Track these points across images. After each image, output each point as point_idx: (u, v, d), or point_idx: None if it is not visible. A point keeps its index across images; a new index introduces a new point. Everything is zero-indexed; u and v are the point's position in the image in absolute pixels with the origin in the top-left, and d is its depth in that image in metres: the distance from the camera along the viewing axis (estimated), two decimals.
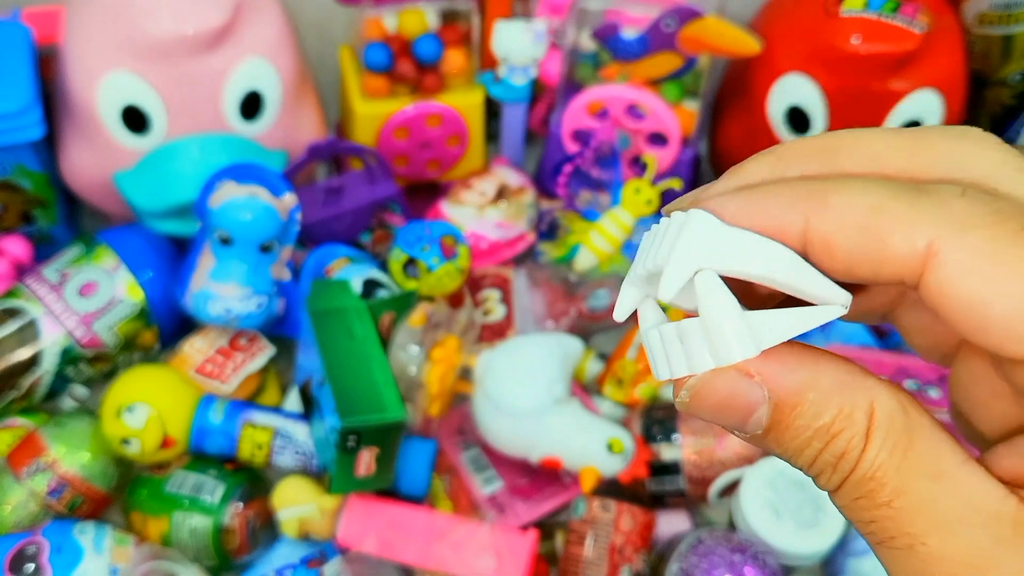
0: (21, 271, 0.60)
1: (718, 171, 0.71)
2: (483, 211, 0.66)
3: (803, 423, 0.16)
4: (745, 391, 0.16)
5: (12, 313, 0.57)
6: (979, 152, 0.15)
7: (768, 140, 0.63)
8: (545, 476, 0.55)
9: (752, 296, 0.17)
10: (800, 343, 0.16)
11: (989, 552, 0.14)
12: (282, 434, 0.53)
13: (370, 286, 0.58)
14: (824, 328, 0.65)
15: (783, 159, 0.17)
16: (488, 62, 0.66)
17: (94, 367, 0.59)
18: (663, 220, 0.18)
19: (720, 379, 0.16)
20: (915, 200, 0.15)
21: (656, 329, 0.17)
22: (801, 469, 0.16)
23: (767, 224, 0.16)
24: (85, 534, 0.51)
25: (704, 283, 0.16)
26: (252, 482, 0.54)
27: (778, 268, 0.16)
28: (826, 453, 0.16)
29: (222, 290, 0.54)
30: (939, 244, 0.14)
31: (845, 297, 0.16)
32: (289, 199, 0.55)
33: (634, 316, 0.19)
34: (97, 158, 0.58)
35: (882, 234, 0.15)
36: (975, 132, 0.16)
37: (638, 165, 0.67)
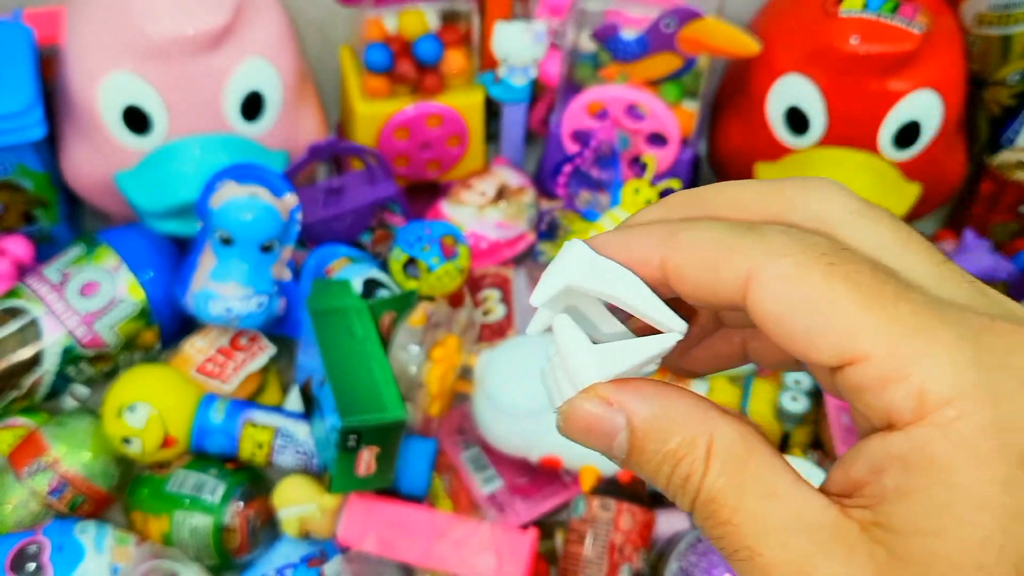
0: (22, 271, 0.61)
1: (717, 171, 0.71)
2: (483, 211, 0.66)
3: (654, 448, 0.18)
4: (606, 417, 0.18)
5: (13, 313, 0.57)
6: (826, 199, 0.18)
7: (767, 140, 0.63)
8: (545, 475, 0.55)
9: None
10: (657, 381, 0.19)
11: (812, 557, 0.16)
12: (283, 433, 0.54)
13: (370, 286, 0.58)
14: None
15: (670, 208, 0.20)
16: (488, 63, 0.66)
17: (95, 367, 0.59)
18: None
19: (585, 405, 0.19)
20: (743, 236, 0.18)
21: (547, 362, 0.20)
22: (663, 492, 0.19)
23: (631, 256, 0.19)
24: (86, 533, 0.51)
25: (558, 322, 0.19)
26: (253, 481, 0.54)
27: (628, 293, 0.19)
28: (675, 476, 0.18)
29: (223, 290, 0.54)
30: (755, 271, 0.17)
31: (681, 325, 0.19)
32: (290, 199, 0.55)
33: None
34: (98, 158, 0.59)
35: (716, 264, 0.18)
36: (826, 182, 0.18)
37: (638, 165, 0.67)
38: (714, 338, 0.22)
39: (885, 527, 0.16)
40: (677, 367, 0.22)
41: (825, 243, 0.17)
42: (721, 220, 0.19)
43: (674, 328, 0.19)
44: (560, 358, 0.19)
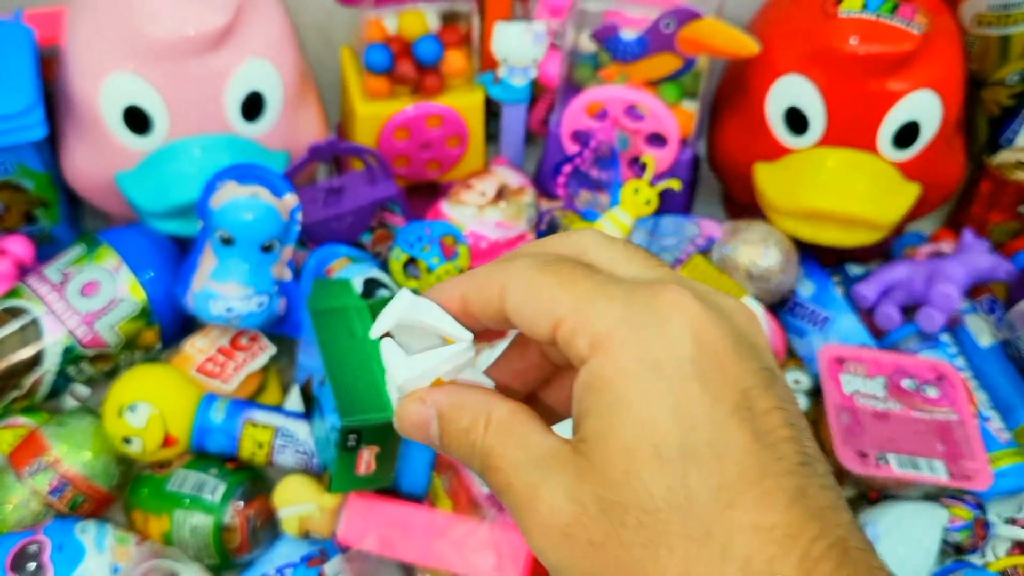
0: (23, 271, 0.61)
1: (716, 171, 0.71)
2: (483, 211, 0.66)
3: (454, 428, 0.25)
4: (422, 412, 0.25)
5: (14, 312, 0.57)
6: (586, 238, 0.26)
7: (767, 141, 0.63)
8: None
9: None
10: (475, 387, 0.26)
11: (541, 479, 0.23)
12: (283, 433, 0.54)
13: (371, 285, 0.58)
14: (824, 329, 0.65)
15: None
16: (488, 63, 0.66)
17: (96, 366, 0.59)
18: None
19: (408, 406, 0.26)
20: (499, 264, 0.25)
21: (386, 377, 0.27)
22: (464, 463, 0.25)
23: (440, 296, 0.26)
24: (87, 533, 0.51)
25: (383, 346, 0.26)
26: (253, 481, 0.54)
27: (429, 319, 0.25)
28: (467, 445, 0.25)
29: (224, 289, 0.54)
30: (504, 285, 0.24)
31: (467, 335, 0.26)
32: (290, 199, 0.56)
33: None
34: (99, 158, 0.59)
35: (484, 288, 0.25)
36: (589, 230, 0.26)
37: (637, 165, 0.67)
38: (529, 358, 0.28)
39: (581, 440, 0.23)
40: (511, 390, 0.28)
41: (549, 256, 0.25)
42: (489, 263, 0.26)
43: (463, 339, 0.25)
44: (387, 370, 0.26)
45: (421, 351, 0.26)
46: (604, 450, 0.22)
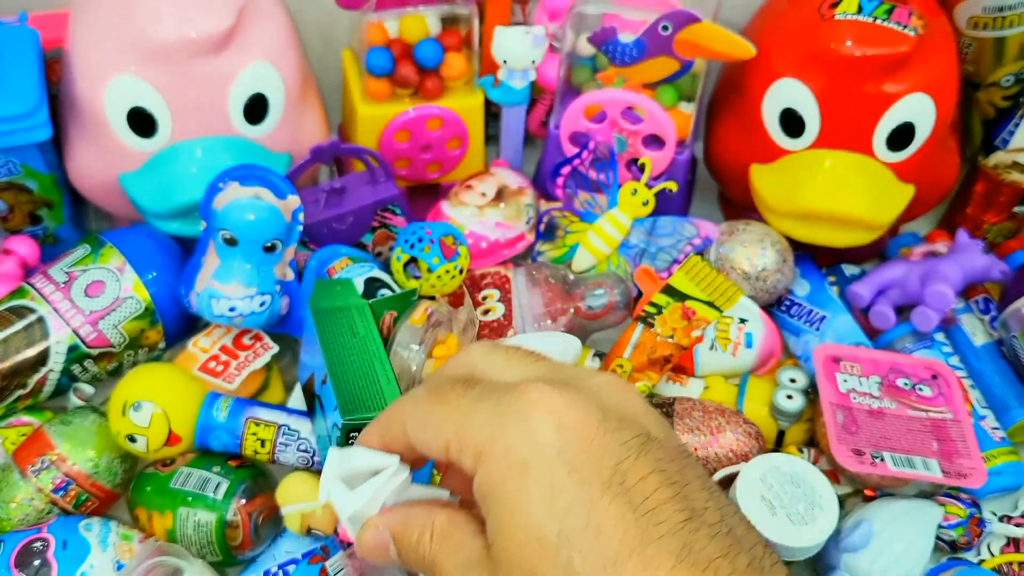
0: (28, 271, 0.61)
1: (713, 172, 0.72)
2: (483, 212, 0.66)
3: (407, 542, 0.28)
4: (377, 537, 0.29)
5: (19, 312, 0.57)
6: (473, 353, 0.29)
7: (763, 142, 0.64)
8: None
9: None
10: (418, 503, 0.29)
11: (472, 569, 0.26)
12: (285, 431, 0.54)
13: (372, 285, 0.58)
14: (819, 329, 0.65)
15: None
16: (488, 66, 0.67)
17: (100, 365, 0.59)
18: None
19: (364, 535, 0.29)
20: (403, 398, 0.29)
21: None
22: (421, 573, 0.28)
23: (363, 441, 0.30)
24: (91, 530, 0.51)
25: (333, 495, 0.30)
26: (256, 478, 0.54)
27: (357, 460, 0.29)
28: (418, 555, 0.28)
29: (227, 289, 0.54)
30: (404, 419, 0.28)
31: (394, 459, 0.29)
32: (292, 200, 0.56)
33: None
34: (103, 159, 0.59)
35: (393, 426, 0.29)
36: (476, 344, 0.30)
37: (635, 167, 0.67)
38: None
39: (490, 543, 0.25)
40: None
41: (440, 380, 0.28)
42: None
43: (391, 463, 0.29)
44: (339, 514, 0.30)
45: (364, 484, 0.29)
46: (503, 550, 0.25)
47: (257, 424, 0.54)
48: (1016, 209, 0.72)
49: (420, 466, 0.31)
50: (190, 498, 0.52)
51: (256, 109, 0.59)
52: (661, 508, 0.23)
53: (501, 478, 0.25)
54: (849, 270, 0.70)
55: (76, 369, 0.58)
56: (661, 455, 0.25)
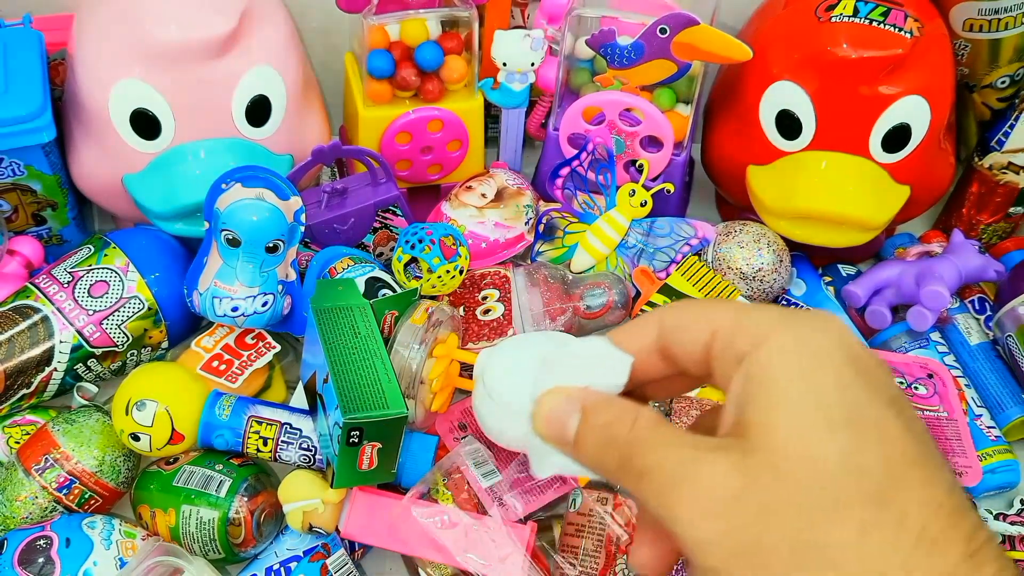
0: (32, 271, 0.62)
1: (711, 174, 0.72)
2: (483, 213, 0.67)
3: (594, 422, 0.25)
4: (563, 406, 0.26)
5: (24, 312, 0.58)
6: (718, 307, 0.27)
7: (759, 144, 0.64)
8: None
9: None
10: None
11: (698, 457, 0.23)
12: (288, 429, 0.54)
13: (373, 285, 0.59)
14: None
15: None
16: (487, 69, 0.67)
17: (104, 364, 0.60)
18: None
19: (549, 399, 0.26)
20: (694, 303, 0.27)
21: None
22: (593, 460, 0.25)
23: (617, 339, 0.27)
24: (94, 528, 0.51)
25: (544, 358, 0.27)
26: (258, 476, 0.54)
27: (593, 347, 0.27)
28: (604, 439, 0.25)
29: (229, 289, 0.54)
30: (661, 315, 0.26)
31: (627, 358, 0.26)
32: (295, 201, 0.56)
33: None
34: (107, 161, 0.60)
35: (644, 324, 0.27)
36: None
37: (633, 168, 0.68)
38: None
39: (742, 427, 0.23)
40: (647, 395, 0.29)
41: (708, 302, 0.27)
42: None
43: (622, 360, 0.26)
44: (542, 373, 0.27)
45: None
46: (772, 428, 0.23)
47: (259, 423, 0.54)
48: (1011, 210, 0.72)
49: (648, 377, 0.28)
50: (193, 496, 0.52)
51: (258, 111, 0.59)
52: (931, 444, 0.23)
53: (787, 363, 0.23)
54: (845, 270, 0.71)
55: (80, 368, 0.59)
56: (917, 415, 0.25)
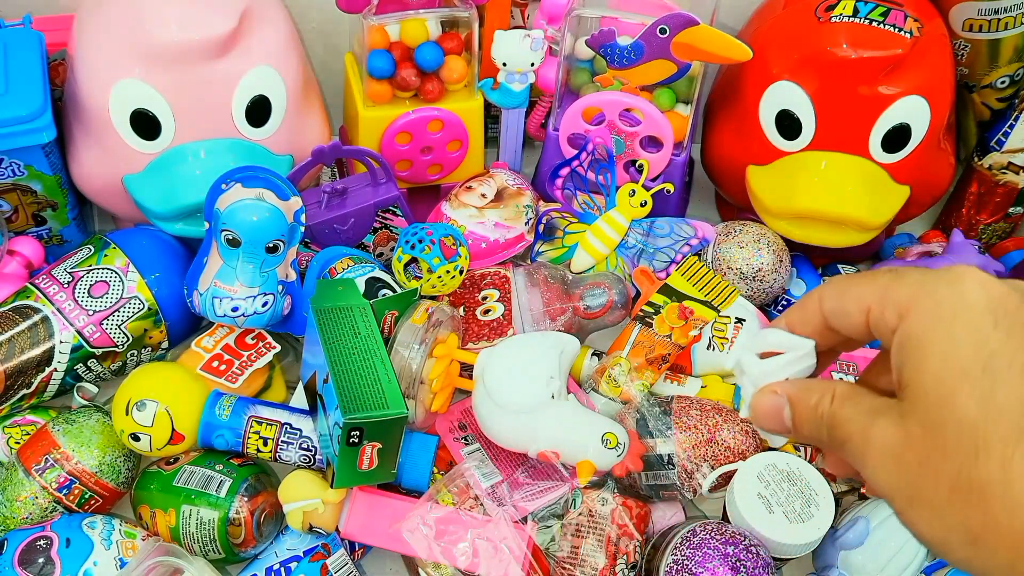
0: (32, 272, 0.62)
1: (710, 174, 0.72)
2: (483, 213, 0.67)
3: (803, 406, 0.30)
4: (775, 400, 0.31)
5: (24, 312, 0.58)
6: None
7: (759, 144, 0.64)
8: (543, 470, 0.56)
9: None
10: (809, 379, 0.32)
11: (873, 421, 0.28)
12: (288, 429, 0.55)
13: (373, 285, 0.59)
14: None
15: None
16: (487, 69, 0.67)
17: (104, 364, 0.60)
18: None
19: (762, 399, 0.32)
20: (865, 277, 0.30)
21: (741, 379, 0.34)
22: (809, 436, 0.30)
23: (779, 322, 0.33)
24: (94, 528, 0.51)
25: (740, 357, 0.33)
26: (258, 476, 0.54)
27: (773, 338, 0.32)
28: (815, 418, 0.30)
29: (230, 290, 0.55)
30: (821, 294, 0.31)
31: (809, 344, 0.32)
32: (295, 201, 0.56)
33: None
34: (107, 161, 0.60)
35: (808, 304, 0.32)
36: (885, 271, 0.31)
37: (633, 168, 0.68)
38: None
39: (902, 388, 0.27)
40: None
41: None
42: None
43: (805, 347, 0.32)
44: (747, 376, 0.33)
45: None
46: (920, 386, 0.26)
47: (259, 423, 0.54)
48: (1010, 210, 0.72)
49: (828, 355, 0.33)
50: (193, 496, 0.53)
51: (259, 112, 0.59)
52: None
53: (928, 326, 0.27)
54: (845, 270, 0.71)
55: (80, 368, 0.59)
56: None
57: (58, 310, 0.58)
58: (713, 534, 0.51)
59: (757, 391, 0.32)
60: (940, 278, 0.28)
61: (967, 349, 0.26)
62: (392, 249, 0.66)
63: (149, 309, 0.59)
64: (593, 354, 0.63)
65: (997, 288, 0.27)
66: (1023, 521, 0.24)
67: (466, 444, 0.58)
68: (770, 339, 0.32)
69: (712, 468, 0.54)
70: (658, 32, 0.61)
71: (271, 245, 0.55)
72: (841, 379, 0.32)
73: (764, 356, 0.32)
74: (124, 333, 0.59)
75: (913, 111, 0.61)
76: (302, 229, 0.57)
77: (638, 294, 0.65)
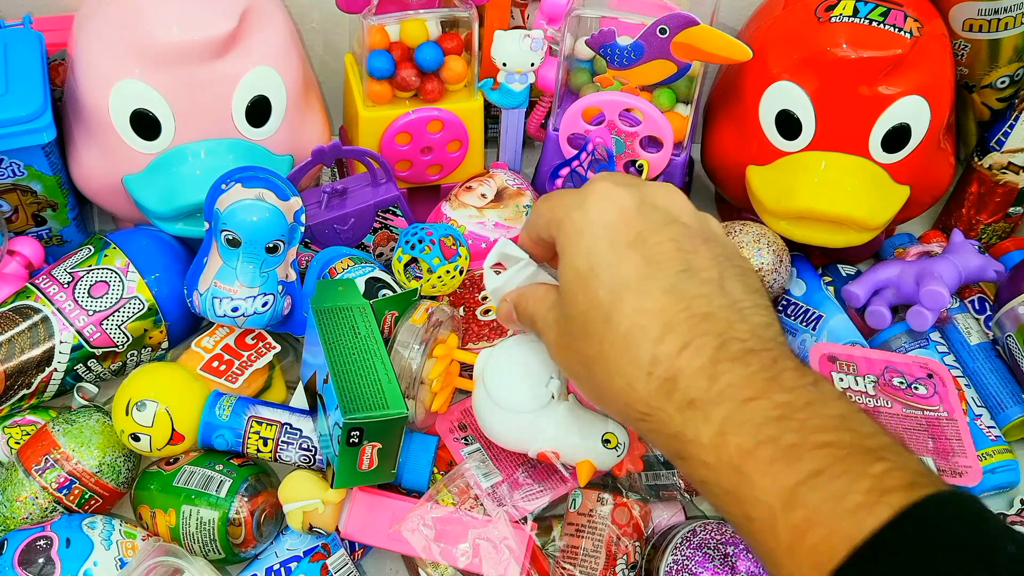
0: (32, 272, 0.62)
1: (710, 174, 0.72)
2: (483, 213, 0.67)
3: (522, 308, 0.42)
4: (506, 306, 0.43)
5: (24, 312, 0.58)
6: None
7: (759, 144, 0.64)
8: (543, 470, 0.56)
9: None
10: (532, 284, 0.43)
11: (547, 315, 0.40)
12: (288, 430, 0.55)
13: (373, 285, 0.59)
14: (816, 330, 0.66)
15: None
16: (487, 69, 0.67)
17: (104, 365, 0.60)
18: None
19: (500, 306, 0.44)
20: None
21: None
22: (528, 329, 0.42)
23: (521, 238, 0.43)
24: (94, 528, 0.52)
25: (486, 274, 0.45)
26: (258, 476, 0.54)
27: (509, 250, 0.44)
28: (527, 314, 0.41)
29: (230, 290, 0.55)
30: (528, 220, 0.43)
31: (524, 256, 0.44)
32: (295, 201, 0.56)
33: None
34: (107, 162, 0.60)
35: (527, 226, 0.43)
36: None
37: (633, 168, 0.68)
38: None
39: (559, 291, 0.38)
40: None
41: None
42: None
43: (522, 258, 0.44)
44: (488, 290, 0.45)
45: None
46: (563, 286, 0.37)
47: (260, 423, 0.55)
48: (1010, 210, 0.73)
49: (543, 259, 0.43)
50: (193, 496, 0.53)
51: (258, 112, 0.60)
52: (664, 262, 0.33)
53: (567, 241, 0.36)
54: (845, 270, 0.71)
55: (80, 369, 0.59)
56: (679, 232, 0.35)
57: (58, 310, 0.58)
58: (713, 534, 0.51)
59: (500, 300, 0.43)
60: (575, 197, 0.36)
61: (582, 258, 0.35)
62: (392, 249, 0.66)
63: (149, 309, 0.60)
64: None
65: (618, 200, 0.35)
66: (617, 383, 0.33)
67: (466, 444, 0.58)
68: (502, 251, 0.44)
69: None
70: (658, 32, 0.61)
71: (271, 245, 0.55)
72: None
73: (498, 268, 0.44)
74: (124, 333, 0.59)
75: (913, 111, 0.61)
76: (302, 229, 0.57)
77: None
